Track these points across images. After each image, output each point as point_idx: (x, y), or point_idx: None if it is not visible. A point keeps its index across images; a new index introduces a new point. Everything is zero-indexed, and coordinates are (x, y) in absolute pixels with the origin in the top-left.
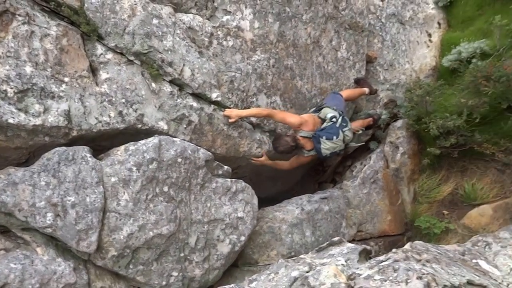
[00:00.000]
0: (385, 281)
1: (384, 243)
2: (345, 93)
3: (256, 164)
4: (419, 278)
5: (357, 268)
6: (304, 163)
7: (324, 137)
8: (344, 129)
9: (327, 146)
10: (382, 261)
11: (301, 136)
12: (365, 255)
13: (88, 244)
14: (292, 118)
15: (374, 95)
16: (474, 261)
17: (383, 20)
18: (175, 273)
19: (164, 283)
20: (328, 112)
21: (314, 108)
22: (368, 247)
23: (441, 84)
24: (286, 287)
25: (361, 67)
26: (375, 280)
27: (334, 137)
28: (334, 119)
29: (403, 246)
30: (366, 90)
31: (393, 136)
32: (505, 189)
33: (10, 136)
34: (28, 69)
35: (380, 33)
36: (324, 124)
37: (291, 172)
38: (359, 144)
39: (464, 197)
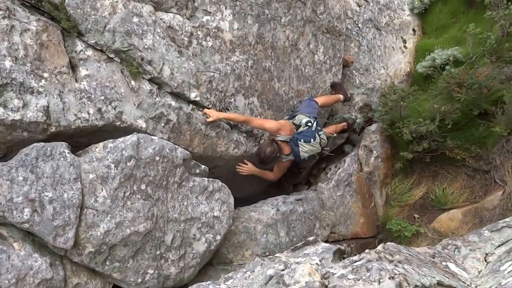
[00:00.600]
0: (358, 280)
1: (356, 245)
2: (321, 100)
3: (243, 173)
4: (391, 278)
5: (331, 267)
6: (285, 169)
7: (302, 140)
8: (319, 133)
9: (305, 149)
10: (356, 261)
11: (279, 140)
12: (339, 255)
13: (65, 240)
14: (270, 123)
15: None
16: (444, 263)
17: (360, 25)
18: (150, 271)
19: (139, 280)
20: (303, 118)
21: (287, 116)
22: (342, 247)
23: (415, 89)
24: (261, 285)
25: (337, 71)
26: (349, 279)
27: (312, 140)
28: (309, 124)
29: (374, 248)
30: (341, 97)
31: (368, 140)
32: (474, 194)
33: None
34: (8, 63)
35: (357, 38)
36: (300, 129)
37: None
38: (329, 151)
39: (434, 201)
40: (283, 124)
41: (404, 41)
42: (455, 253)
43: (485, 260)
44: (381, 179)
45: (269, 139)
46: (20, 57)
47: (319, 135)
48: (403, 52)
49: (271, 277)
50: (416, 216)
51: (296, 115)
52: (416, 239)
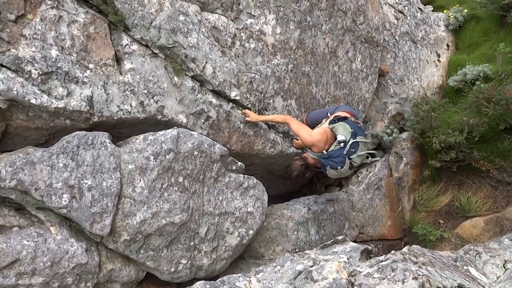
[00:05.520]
0: (383, 279)
1: (383, 246)
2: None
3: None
4: (415, 278)
5: (358, 266)
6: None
7: (328, 166)
8: (351, 156)
9: (332, 174)
10: (382, 261)
11: (309, 155)
12: (366, 255)
13: (102, 227)
14: (306, 134)
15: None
16: (465, 267)
17: (397, 37)
18: (184, 261)
19: (172, 269)
20: (340, 133)
21: (331, 118)
22: (370, 247)
23: (446, 102)
24: (290, 279)
25: (373, 79)
26: (374, 277)
27: (339, 167)
28: (342, 144)
29: (400, 250)
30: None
31: (398, 147)
32: (497, 204)
33: (32, 117)
34: (54, 52)
35: (393, 49)
36: (332, 147)
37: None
38: (374, 159)
39: (459, 209)
40: (318, 139)
41: (438, 55)
42: (476, 258)
43: (504, 267)
44: (410, 185)
45: (300, 156)
46: (67, 47)
47: (350, 159)
48: (437, 66)
49: (300, 272)
50: (441, 221)
51: (337, 120)
52: (440, 243)
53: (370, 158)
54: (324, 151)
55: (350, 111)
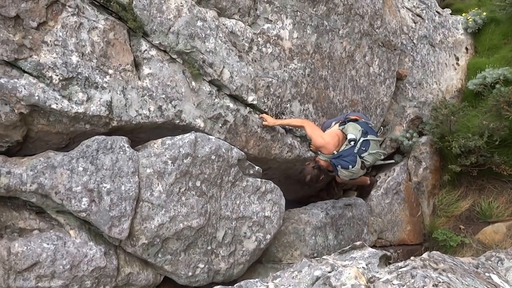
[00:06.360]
0: (403, 286)
1: (403, 252)
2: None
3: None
4: (435, 285)
5: (377, 272)
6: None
7: (339, 166)
8: (362, 154)
9: (344, 174)
10: (401, 267)
11: (320, 158)
12: (385, 261)
13: (120, 231)
14: (317, 137)
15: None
16: (487, 274)
17: (415, 41)
18: (201, 265)
19: (190, 273)
20: (350, 132)
21: (342, 120)
22: (388, 253)
23: (465, 105)
24: (308, 285)
25: (391, 83)
26: (393, 284)
27: (350, 166)
28: (352, 143)
29: (420, 255)
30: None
31: (417, 151)
32: None
33: (52, 121)
34: (74, 58)
35: (411, 53)
36: (342, 147)
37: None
38: (388, 161)
39: (480, 214)
40: (328, 141)
41: (457, 59)
42: (498, 265)
43: None
44: (429, 190)
45: (311, 160)
46: (87, 53)
47: (361, 157)
48: (455, 69)
49: (317, 278)
50: (462, 227)
51: (348, 121)
52: (461, 249)
53: (382, 157)
54: (335, 152)
55: (360, 116)
